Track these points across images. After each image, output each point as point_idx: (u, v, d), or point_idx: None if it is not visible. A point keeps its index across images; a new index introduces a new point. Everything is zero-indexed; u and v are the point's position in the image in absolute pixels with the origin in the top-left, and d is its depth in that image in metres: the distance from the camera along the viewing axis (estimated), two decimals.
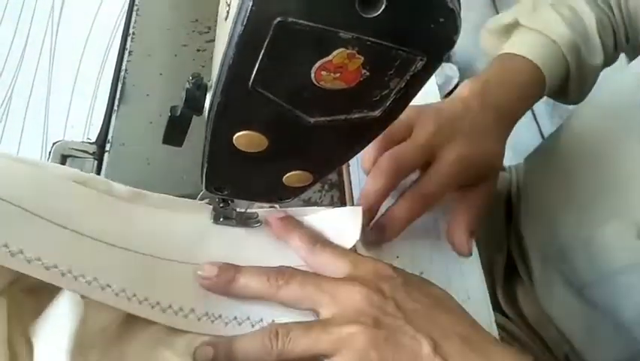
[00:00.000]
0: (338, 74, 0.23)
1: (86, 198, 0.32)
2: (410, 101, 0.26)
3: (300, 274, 0.34)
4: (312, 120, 0.26)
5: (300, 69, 0.22)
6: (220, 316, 0.33)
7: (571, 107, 0.59)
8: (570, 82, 0.53)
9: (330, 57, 0.22)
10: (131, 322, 0.32)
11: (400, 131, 0.43)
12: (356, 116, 0.26)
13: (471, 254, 0.43)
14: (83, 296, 0.29)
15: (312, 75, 0.23)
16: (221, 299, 0.34)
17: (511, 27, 0.54)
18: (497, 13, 1.39)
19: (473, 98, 0.45)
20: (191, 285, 0.34)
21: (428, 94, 0.54)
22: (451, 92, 0.48)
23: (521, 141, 1.27)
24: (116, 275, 0.31)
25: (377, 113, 0.26)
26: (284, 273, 0.34)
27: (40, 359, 0.27)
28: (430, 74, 0.24)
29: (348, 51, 0.21)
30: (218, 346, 0.32)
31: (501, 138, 0.46)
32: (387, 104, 0.25)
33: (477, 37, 0.60)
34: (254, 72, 0.23)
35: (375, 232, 0.41)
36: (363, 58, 0.22)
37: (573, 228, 0.47)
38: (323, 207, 0.40)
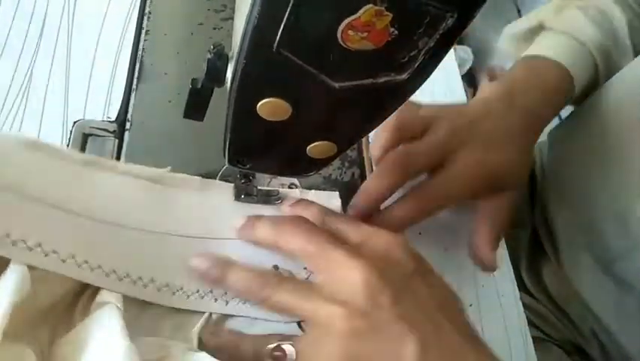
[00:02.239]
0: (365, 34, 0.22)
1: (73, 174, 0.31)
2: (437, 65, 0.25)
3: (307, 229, 0.32)
4: (337, 85, 0.25)
5: (327, 29, 0.22)
6: (198, 291, 0.33)
7: None
8: (599, 86, 0.49)
9: (357, 14, 0.21)
10: (79, 296, 0.31)
11: (414, 125, 0.39)
12: (382, 80, 0.25)
13: (495, 269, 0.40)
14: (30, 269, 0.27)
15: (339, 35, 0.22)
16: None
17: (535, 30, 0.51)
18: None
19: (497, 100, 0.42)
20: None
21: (450, 77, 0.53)
22: (465, 75, 0.46)
23: None
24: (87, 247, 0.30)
25: (404, 76, 0.25)
26: (293, 221, 0.33)
27: None
28: (459, 33, 0.23)
29: (376, 8, 0.21)
30: (214, 261, 0.33)
31: (526, 144, 0.42)
32: (415, 65, 0.24)
33: (491, 19, 0.58)
34: (279, 33, 0.22)
35: None
36: (391, 15, 0.21)
37: (608, 201, 0.45)
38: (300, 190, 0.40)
